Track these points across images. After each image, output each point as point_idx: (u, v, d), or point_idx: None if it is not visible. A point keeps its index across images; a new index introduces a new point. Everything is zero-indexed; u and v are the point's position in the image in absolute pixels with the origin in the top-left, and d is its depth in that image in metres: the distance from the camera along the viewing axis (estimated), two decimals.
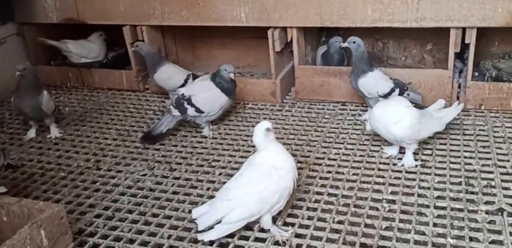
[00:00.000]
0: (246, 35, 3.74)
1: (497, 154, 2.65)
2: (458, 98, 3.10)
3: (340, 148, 2.82)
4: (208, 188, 2.54)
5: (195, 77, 3.39)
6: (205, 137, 3.07)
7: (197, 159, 2.83)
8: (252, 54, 3.97)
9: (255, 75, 3.85)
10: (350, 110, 3.27)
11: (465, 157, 2.64)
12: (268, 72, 3.55)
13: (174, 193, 2.54)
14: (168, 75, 3.40)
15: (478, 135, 2.85)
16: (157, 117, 3.36)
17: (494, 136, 2.82)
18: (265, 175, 2.11)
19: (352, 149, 2.81)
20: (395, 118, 2.50)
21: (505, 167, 2.53)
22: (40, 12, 3.83)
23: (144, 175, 2.71)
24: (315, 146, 2.87)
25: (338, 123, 3.12)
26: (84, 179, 2.72)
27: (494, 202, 2.27)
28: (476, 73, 3.20)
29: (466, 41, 2.94)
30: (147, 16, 3.56)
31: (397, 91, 2.92)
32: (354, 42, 2.91)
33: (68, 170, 2.82)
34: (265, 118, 3.18)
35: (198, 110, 2.97)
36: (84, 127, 3.35)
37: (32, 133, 3.24)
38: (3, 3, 3.81)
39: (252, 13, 3.30)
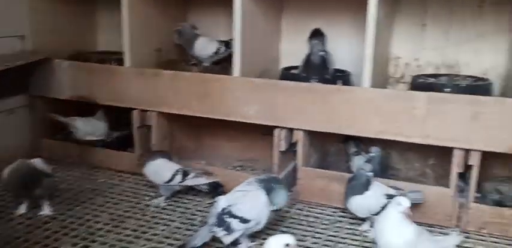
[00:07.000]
0: (252, 129, 3.79)
1: None
2: (459, 218, 3.08)
3: None
4: None
5: (185, 173, 3.36)
6: None
7: None
8: (256, 149, 4.00)
9: (255, 171, 3.86)
10: (349, 218, 3.23)
11: None
12: (268, 169, 3.54)
13: None
14: (156, 169, 3.40)
15: None
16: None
17: None
18: None
19: None
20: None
21: None
22: (54, 88, 3.93)
23: None
24: None
25: (336, 231, 3.06)
26: None
27: None
28: (479, 195, 3.18)
29: (470, 163, 2.96)
30: (159, 103, 3.65)
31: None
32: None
33: None
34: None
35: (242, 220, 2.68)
36: (77, 207, 3.27)
37: (22, 208, 3.16)
38: (21, 75, 3.89)
39: (261, 111, 3.39)
